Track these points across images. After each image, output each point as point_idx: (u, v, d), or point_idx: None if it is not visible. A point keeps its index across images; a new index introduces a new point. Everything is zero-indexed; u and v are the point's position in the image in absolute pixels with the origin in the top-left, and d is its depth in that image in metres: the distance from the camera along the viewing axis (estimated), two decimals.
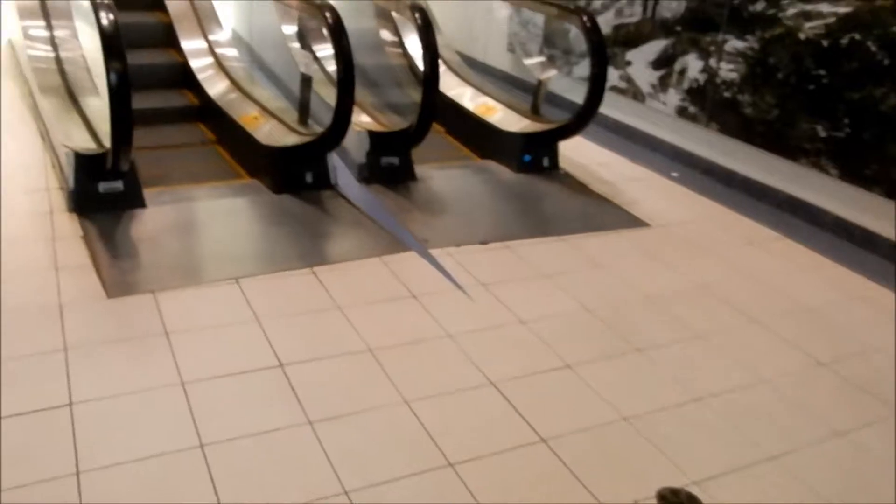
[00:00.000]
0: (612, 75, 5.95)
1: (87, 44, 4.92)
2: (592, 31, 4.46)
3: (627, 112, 5.94)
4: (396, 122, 4.78)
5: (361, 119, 4.87)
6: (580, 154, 5.54)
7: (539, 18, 6.60)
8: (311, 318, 3.15)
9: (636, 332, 3.24)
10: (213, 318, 3.09)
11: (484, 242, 3.93)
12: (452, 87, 5.95)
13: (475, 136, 5.57)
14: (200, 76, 5.31)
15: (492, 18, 7.25)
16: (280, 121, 4.60)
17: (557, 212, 4.52)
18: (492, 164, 5.22)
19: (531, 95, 5.42)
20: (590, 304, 3.42)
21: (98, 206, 3.82)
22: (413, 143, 4.44)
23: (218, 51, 5.56)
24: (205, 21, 5.74)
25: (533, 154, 5.09)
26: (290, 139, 4.35)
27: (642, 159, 5.55)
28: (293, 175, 4.36)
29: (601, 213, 4.53)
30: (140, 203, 3.93)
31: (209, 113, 5.16)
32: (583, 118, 4.71)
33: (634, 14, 5.65)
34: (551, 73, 5.44)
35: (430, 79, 4.10)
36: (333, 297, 3.31)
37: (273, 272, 3.48)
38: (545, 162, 5.14)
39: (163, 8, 5.85)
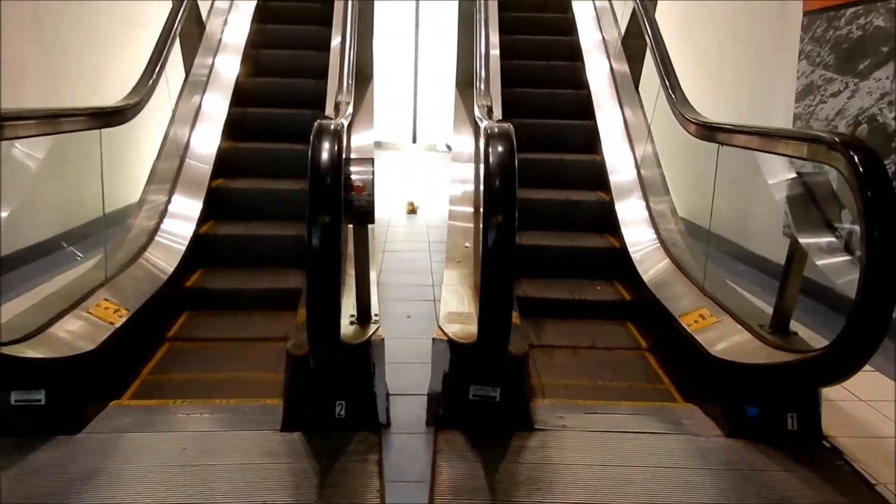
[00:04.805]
0: None
1: None
2: (865, 181, 2.24)
3: None
4: None
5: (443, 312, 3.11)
6: (869, 411, 3.04)
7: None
8: None
9: None
10: None
11: None
12: (659, 277, 3.92)
13: (680, 360, 3.42)
14: None
15: (759, 179, 5.06)
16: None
17: None
18: (692, 414, 3.01)
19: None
20: None
21: None
22: (488, 365, 2.54)
23: None
24: None
25: (765, 405, 2.79)
26: None
27: None
28: (318, 404, 2.73)
29: None
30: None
31: None
32: (853, 344, 2.35)
33: None
34: (837, 259, 3.18)
35: (490, 262, 2.23)
36: None
37: None
38: (791, 422, 2.78)
39: None
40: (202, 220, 4.43)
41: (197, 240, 4.27)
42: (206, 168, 4.75)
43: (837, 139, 2.41)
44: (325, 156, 2.22)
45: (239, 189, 4.81)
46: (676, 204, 4.76)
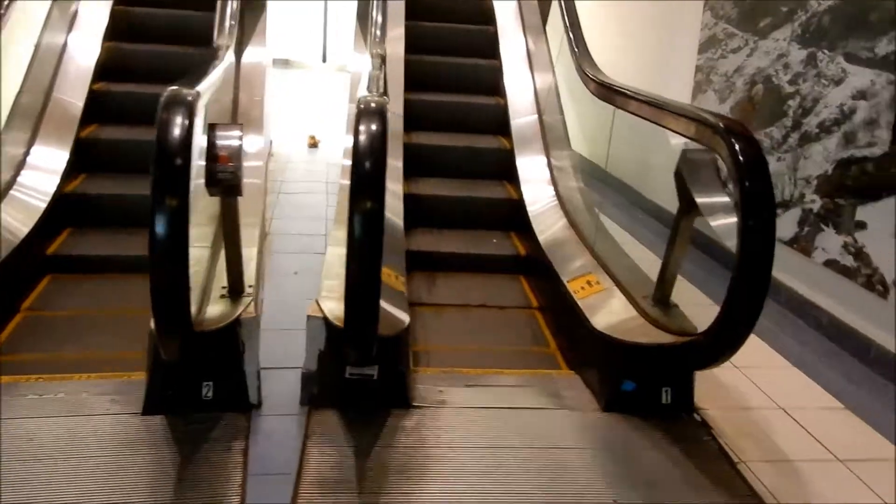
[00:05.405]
0: (834, 243, 3.48)
1: None
2: (743, 167, 2.19)
3: (853, 308, 3.40)
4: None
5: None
6: (743, 380, 3.13)
7: None
8: None
9: None
10: None
11: None
12: (553, 237, 3.87)
13: (565, 325, 3.42)
14: None
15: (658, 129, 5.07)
16: None
17: None
18: (573, 384, 3.02)
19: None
20: None
21: None
22: (357, 353, 2.44)
23: None
24: None
25: (641, 380, 2.82)
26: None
27: (877, 406, 2.98)
28: (182, 385, 2.58)
29: None
30: None
31: None
32: (724, 335, 2.36)
33: (877, 142, 3.21)
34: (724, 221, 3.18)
35: (356, 253, 2.10)
36: None
37: None
38: (665, 396, 2.83)
39: None
40: (82, 124, 4.19)
41: (77, 146, 4.05)
42: (87, 71, 4.40)
43: (722, 125, 2.35)
44: (174, 133, 1.99)
45: (123, 92, 4.52)
46: (582, 146, 4.70)
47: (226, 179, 2.42)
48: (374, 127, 2.14)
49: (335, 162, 6.11)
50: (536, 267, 3.96)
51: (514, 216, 4.40)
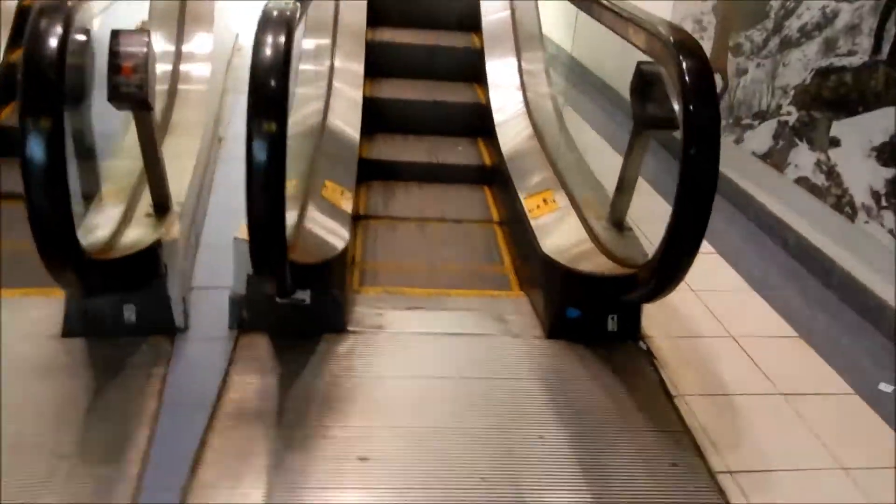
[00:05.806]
0: (806, 159, 3.28)
1: None
2: (690, 89, 1.97)
3: (821, 228, 3.24)
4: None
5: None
6: (698, 304, 3.01)
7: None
8: None
9: None
10: None
11: None
12: (516, 148, 3.68)
13: (519, 244, 3.28)
14: None
15: None
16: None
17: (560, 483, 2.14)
18: (519, 308, 2.91)
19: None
20: None
21: None
22: (271, 281, 2.30)
23: None
24: None
25: (587, 307, 2.71)
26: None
27: (833, 337, 2.88)
28: (103, 308, 2.48)
29: None
30: None
31: None
32: (665, 270, 2.21)
33: (857, 51, 2.95)
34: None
35: (254, 182, 1.92)
36: None
37: None
38: (611, 323, 2.72)
39: None
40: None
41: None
42: None
43: (672, 38, 2.11)
44: (46, 44, 1.79)
45: None
46: (567, 42, 4.43)
47: (130, 94, 2.22)
48: (278, 39, 1.93)
49: None
50: (500, 178, 3.79)
51: (483, 122, 4.19)
